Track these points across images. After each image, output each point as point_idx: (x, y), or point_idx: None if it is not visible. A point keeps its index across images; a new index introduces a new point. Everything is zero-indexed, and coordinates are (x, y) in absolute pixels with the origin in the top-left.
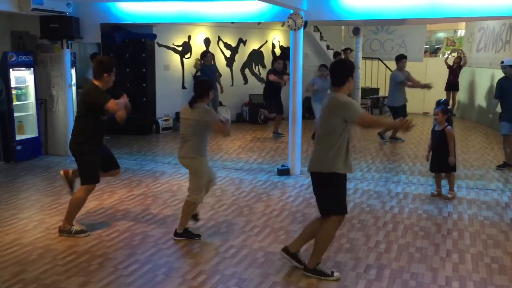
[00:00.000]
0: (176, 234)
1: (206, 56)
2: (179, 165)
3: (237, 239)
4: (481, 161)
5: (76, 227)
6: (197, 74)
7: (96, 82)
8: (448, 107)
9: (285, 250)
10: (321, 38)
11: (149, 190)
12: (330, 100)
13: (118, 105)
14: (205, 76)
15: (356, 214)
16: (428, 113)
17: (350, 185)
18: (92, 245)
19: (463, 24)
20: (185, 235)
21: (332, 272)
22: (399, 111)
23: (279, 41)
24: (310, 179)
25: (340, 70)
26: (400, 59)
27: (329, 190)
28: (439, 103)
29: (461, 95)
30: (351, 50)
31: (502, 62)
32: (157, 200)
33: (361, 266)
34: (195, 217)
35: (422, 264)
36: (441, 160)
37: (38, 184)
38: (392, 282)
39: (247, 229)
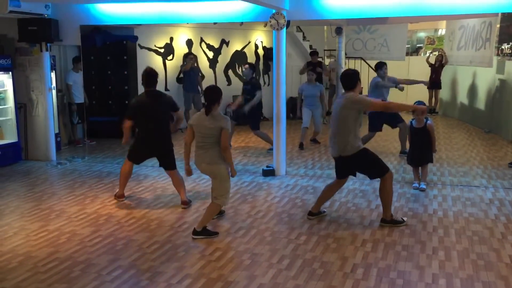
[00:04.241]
0: (195, 232)
1: (187, 57)
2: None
3: (222, 242)
4: (464, 158)
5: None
6: (180, 76)
7: None
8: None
9: (310, 213)
10: (304, 38)
11: (132, 193)
12: (347, 99)
13: None
14: (188, 78)
15: (342, 213)
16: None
17: None
18: (74, 251)
19: (444, 23)
20: (204, 233)
21: (403, 219)
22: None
23: (262, 41)
24: (294, 179)
25: (351, 77)
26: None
27: (367, 162)
28: (419, 103)
29: (443, 93)
30: (318, 54)
31: None
32: (141, 203)
33: (348, 265)
34: (221, 213)
35: (408, 262)
36: (423, 153)
37: (18, 190)
38: (379, 281)
39: (232, 231)
